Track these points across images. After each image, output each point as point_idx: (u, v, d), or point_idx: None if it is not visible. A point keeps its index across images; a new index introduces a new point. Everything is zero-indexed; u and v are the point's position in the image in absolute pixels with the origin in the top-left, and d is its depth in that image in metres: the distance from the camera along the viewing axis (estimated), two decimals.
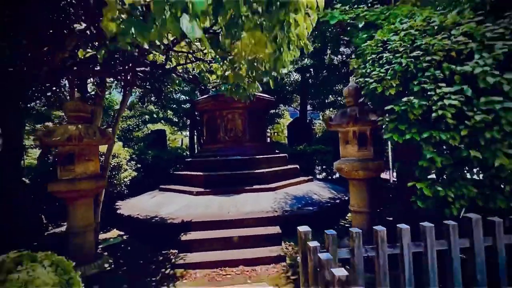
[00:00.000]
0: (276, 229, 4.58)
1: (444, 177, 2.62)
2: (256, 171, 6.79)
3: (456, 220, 2.58)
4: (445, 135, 2.34)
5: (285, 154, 8.49)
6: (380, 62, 2.74)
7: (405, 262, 2.54)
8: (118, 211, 5.99)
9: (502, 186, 2.49)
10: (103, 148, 4.93)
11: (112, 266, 3.88)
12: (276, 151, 8.64)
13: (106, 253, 4.20)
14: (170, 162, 10.15)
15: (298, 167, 8.20)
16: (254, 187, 6.41)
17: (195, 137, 16.07)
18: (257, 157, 7.17)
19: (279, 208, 5.35)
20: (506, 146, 2.22)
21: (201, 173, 6.83)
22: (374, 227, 2.64)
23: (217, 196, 6.10)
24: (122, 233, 5.56)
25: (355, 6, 3.96)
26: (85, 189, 3.51)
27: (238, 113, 7.85)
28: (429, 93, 2.41)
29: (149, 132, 14.09)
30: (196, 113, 12.51)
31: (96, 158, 3.78)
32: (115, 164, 6.40)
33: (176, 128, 17.39)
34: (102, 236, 5.27)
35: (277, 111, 16.08)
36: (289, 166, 7.84)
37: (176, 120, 15.69)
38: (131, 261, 4.22)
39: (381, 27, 3.52)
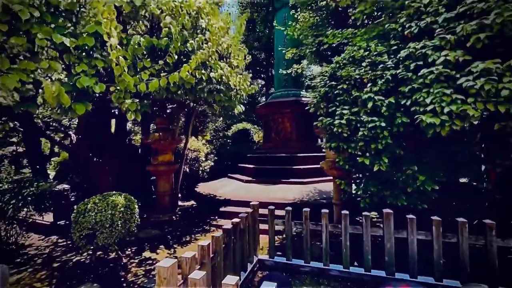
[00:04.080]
0: None
1: (361, 177, 3.29)
2: (294, 167, 7.97)
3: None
4: (345, 145, 3.12)
5: None
6: (317, 89, 3.64)
7: (323, 237, 3.48)
8: (195, 189, 8.68)
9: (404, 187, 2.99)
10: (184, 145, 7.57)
11: (178, 218, 6.32)
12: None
13: (179, 212, 6.73)
14: (245, 156, 12.55)
15: None
16: (290, 180, 7.66)
17: None
18: (298, 155, 8.31)
19: (300, 198, 6.45)
20: (387, 156, 2.82)
21: (252, 166, 8.67)
22: (304, 209, 3.67)
23: (259, 184, 7.77)
24: (194, 203, 8.16)
25: (343, 30, 4.59)
26: (163, 170, 6.02)
27: (287, 116, 9.13)
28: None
29: (236, 131, 17.27)
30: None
31: (170, 152, 6.25)
32: (195, 156, 9.16)
33: (258, 127, 20.04)
34: (184, 203, 8.02)
35: None
36: None
37: (256, 120, 18.22)
38: (190, 218, 6.56)
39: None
